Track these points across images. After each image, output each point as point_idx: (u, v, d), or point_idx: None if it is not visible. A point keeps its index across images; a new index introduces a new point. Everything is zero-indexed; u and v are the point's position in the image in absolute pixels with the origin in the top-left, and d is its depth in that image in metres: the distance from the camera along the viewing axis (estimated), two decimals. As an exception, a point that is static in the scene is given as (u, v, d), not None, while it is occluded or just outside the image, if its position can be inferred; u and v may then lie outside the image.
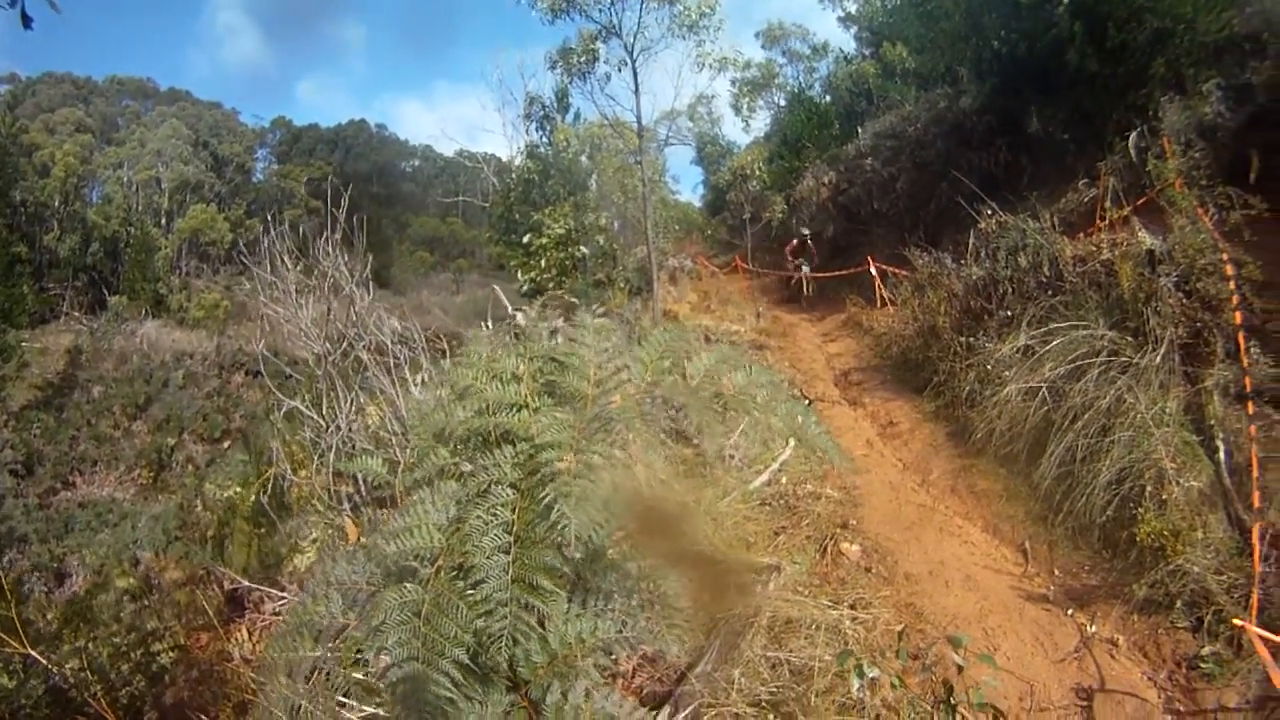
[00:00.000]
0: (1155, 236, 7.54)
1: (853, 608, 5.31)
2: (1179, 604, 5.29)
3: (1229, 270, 6.88)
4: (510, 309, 10.51)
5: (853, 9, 29.80)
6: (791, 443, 8.03)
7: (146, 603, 7.53)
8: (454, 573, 2.42)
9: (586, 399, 2.67)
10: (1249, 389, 6.29)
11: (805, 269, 17.40)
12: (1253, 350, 6.51)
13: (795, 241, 18.25)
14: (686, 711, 4.36)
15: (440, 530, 2.52)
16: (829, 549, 6.23)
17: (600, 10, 14.12)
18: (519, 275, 14.49)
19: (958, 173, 12.56)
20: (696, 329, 13.35)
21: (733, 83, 30.10)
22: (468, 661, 2.34)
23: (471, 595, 2.36)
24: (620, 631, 2.77)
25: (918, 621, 5.29)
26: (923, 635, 5.09)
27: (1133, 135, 9.67)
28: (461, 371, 2.88)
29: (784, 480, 7.52)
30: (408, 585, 2.43)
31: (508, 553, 2.37)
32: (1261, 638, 4.62)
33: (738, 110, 32.44)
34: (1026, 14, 12.88)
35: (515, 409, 2.73)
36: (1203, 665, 4.94)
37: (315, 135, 67.46)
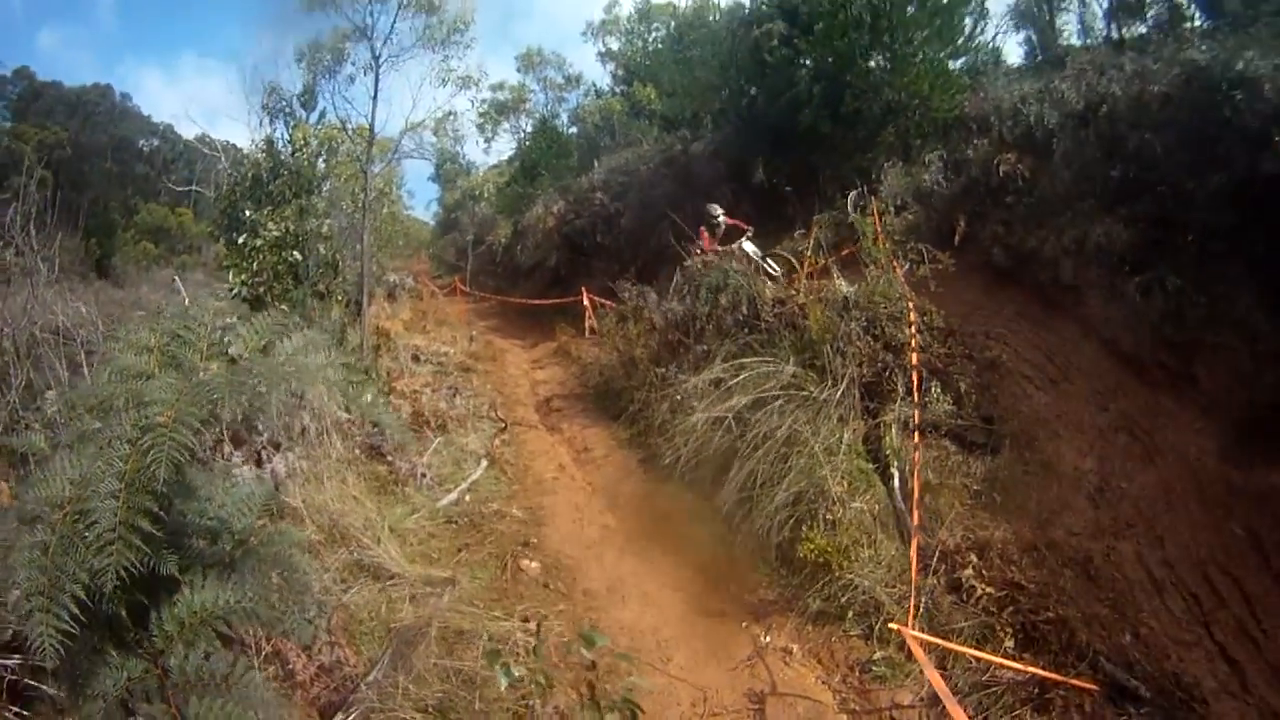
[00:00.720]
0: (852, 285, 8.63)
1: (525, 620, 5.74)
2: (851, 614, 5.98)
3: (913, 317, 8.04)
4: (186, 300, 10.18)
5: (615, 46, 31.43)
6: (483, 464, 8.65)
7: None
8: (76, 517, 2.83)
9: (196, 368, 3.25)
10: (920, 423, 7.31)
11: (749, 246, 11.92)
12: (934, 389, 7.61)
13: (704, 228, 12.72)
14: (353, 716, 4.65)
15: (72, 482, 2.93)
16: (509, 565, 6.67)
17: (356, 10, 13.98)
18: (230, 277, 13.68)
19: (681, 213, 13.41)
20: (408, 347, 13.58)
21: (472, 102, 30.58)
22: (84, 598, 2.70)
23: (88, 535, 2.78)
24: (240, 602, 3.19)
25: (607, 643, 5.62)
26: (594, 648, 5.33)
27: (853, 194, 10.87)
28: (110, 345, 3.42)
29: (468, 499, 7.96)
30: (38, 527, 2.84)
31: (118, 498, 2.82)
32: (919, 640, 5.32)
33: (482, 130, 32.88)
34: (772, 73, 14.22)
35: (144, 377, 3.24)
36: (875, 669, 5.57)
37: (56, 95, 60.24)
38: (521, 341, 16.81)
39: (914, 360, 7.66)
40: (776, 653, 5.83)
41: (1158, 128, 8.57)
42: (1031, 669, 5.22)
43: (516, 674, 4.10)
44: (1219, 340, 7.16)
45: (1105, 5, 19.82)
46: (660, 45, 27.43)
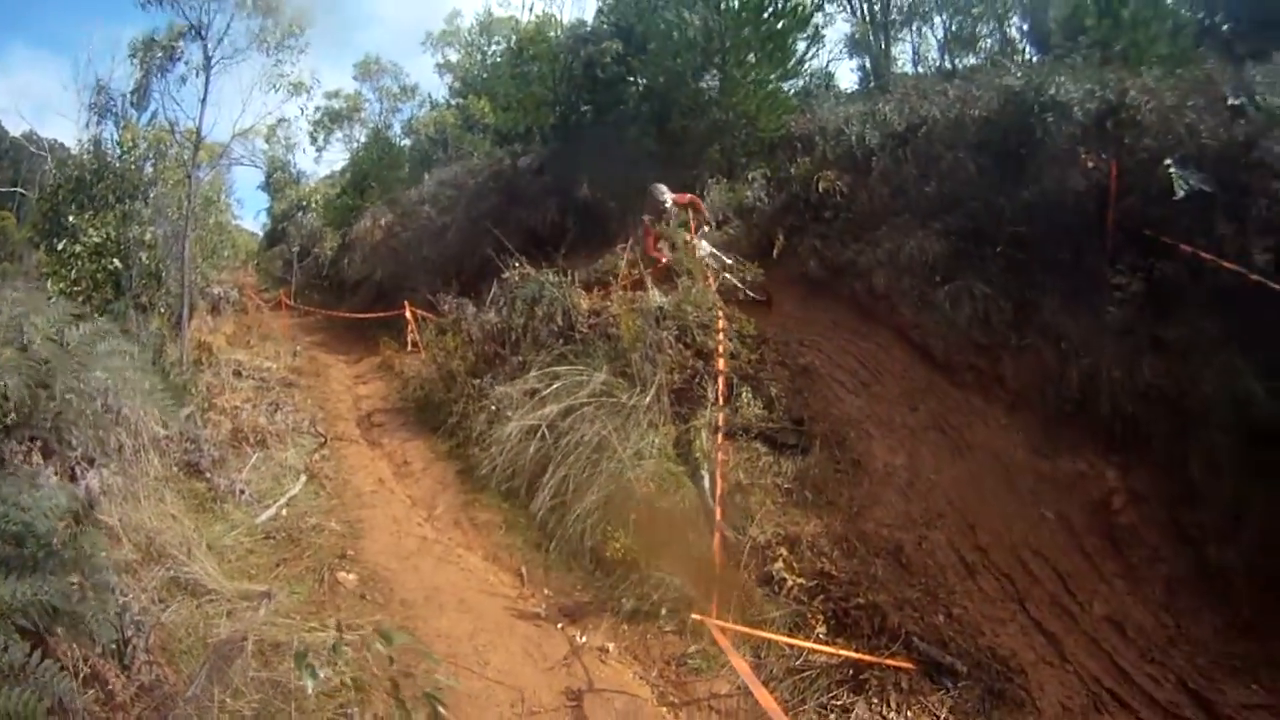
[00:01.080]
0: (667, 296, 9.09)
1: (341, 630, 5.73)
2: (664, 611, 6.25)
3: (721, 324, 8.53)
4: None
5: (454, 58, 31.40)
6: (303, 479, 8.78)
7: None
8: None
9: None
10: (729, 426, 7.76)
11: (705, 246, 10.34)
12: (744, 394, 8.10)
13: (648, 220, 10.64)
14: (172, 730, 4.66)
15: None
16: (327, 578, 6.78)
17: (191, 7, 13.53)
18: (49, 285, 12.95)
19: (507, 227, 13.62)
20: (230, 363, 13.52)
21: (302, 109, 30.01)
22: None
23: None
24: (37, 596, 3.41)
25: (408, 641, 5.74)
26: (414, 654, 5.46)
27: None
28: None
29: (285, 514, 8.06)
30: None
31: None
32: (721, 628, 5.59)
33: (314, 139, 32.31)
34: (603, 89, 14.64)
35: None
36: (690, 662, 5.84)
37: (-115, 84, 54.66)
38: (346, 356, 16.82)
39: (721, 365, 8.11)
40: (593, 652, 6.04)
41: (973, 147, 9.41)
42: (844, 652, 5.58)
43: (322, 675, 4.44)
44: (1025, 342, 7.88)
45: (940, 37, 21.21)
46: (499, 59, 27.62)
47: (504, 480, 8.05)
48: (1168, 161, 7.60)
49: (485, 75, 26.74)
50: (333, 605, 6.35)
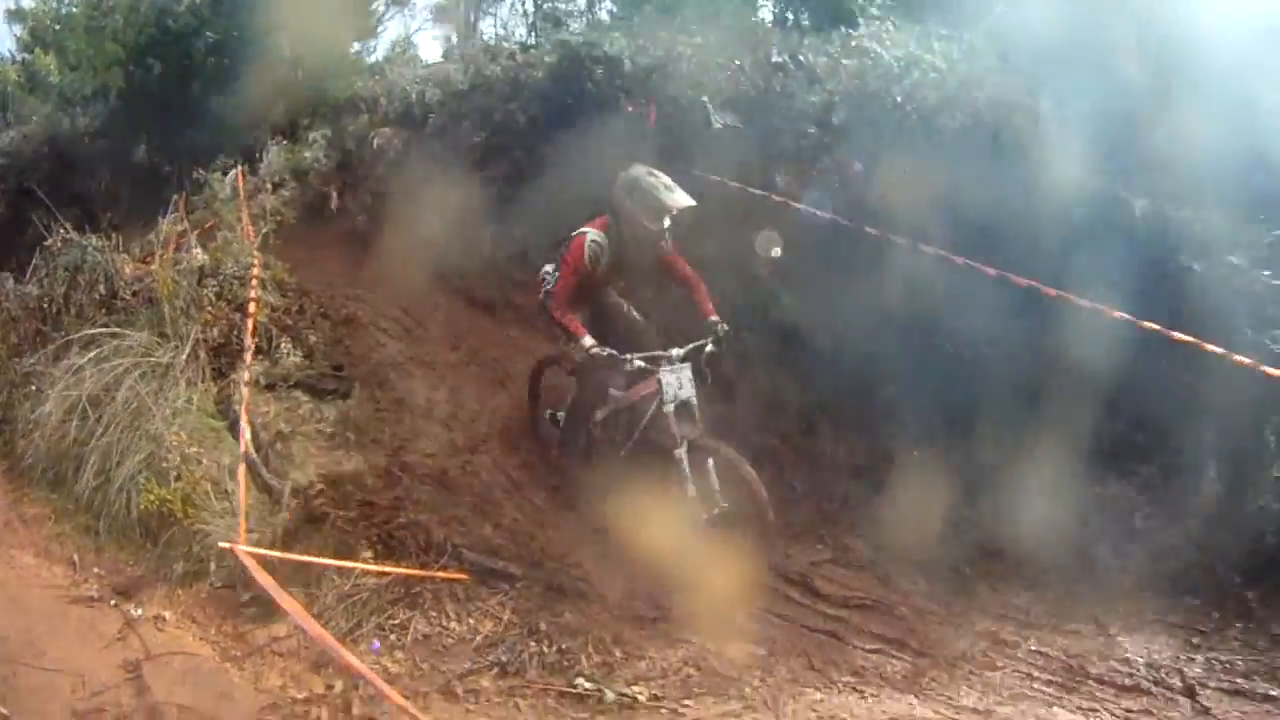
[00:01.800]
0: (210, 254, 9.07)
1: None
2: (214, 568, 6.37)
3: (256, 272, 8.64)
4: None
5: (28, 4, 27.88)
6: None
7: None
8: None
9: None
10: (263, 376, 7.97)
11: (683, 378, 6.32)
12: (284, 345, 8.29)
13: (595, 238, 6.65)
14: None
15: None
16: None
17: None
18: None
19: (60, 197, 12.74)
20: None
21: None
22: None
23: None
24: None
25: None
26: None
27: (233, 172, 11.36)
28: None
29: None
30: None
31: None
32: (251, 554, 5.83)
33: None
34: (174, 43, 13.92)
35: None
36: (245, 612, 6.02)
37: None
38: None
39: (251, 312, 8.22)
40: (149, 622, 6.08)
41: (527, 101, 10.15)
42: (393, 569, 5.97)
43: None
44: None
45: (529, 15, 21.74)
46: (75, 9, 24.96)
47: (50, 467, 7.72)
48: (704, 98, 8.74)
49: (57, 28, 24.16)
50: None
